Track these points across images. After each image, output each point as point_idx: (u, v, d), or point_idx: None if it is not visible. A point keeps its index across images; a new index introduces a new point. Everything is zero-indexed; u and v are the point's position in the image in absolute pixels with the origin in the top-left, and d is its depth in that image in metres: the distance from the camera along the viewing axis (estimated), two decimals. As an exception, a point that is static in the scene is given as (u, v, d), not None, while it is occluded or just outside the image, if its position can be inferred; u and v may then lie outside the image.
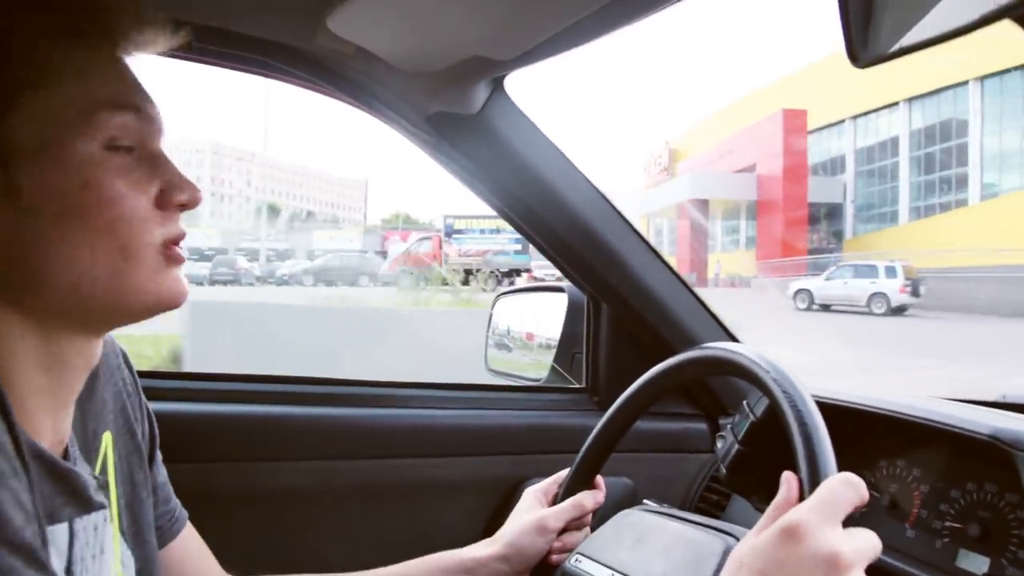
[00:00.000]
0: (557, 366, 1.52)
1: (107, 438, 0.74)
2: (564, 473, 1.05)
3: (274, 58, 1.06)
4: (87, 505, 0.63)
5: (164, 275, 0.63)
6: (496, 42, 0.96)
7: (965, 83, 26.37)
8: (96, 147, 0.60)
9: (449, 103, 1.12)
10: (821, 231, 32.66)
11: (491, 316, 1.75)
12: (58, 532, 0.60)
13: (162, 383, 1.22)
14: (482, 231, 23.44)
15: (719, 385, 1.40)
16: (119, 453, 0.76)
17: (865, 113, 31.09)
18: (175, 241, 0.64)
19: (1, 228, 0.57)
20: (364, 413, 1.29)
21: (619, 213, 1.29)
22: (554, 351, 1.54)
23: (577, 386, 1.48)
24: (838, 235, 32.01)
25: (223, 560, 1.19)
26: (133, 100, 0.63)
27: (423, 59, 1.03)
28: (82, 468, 0.68)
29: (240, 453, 1.21)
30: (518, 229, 1.30)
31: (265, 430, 1.22)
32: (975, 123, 26.87)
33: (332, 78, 1.09)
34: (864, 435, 1.06)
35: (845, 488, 0.62)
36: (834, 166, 33.07)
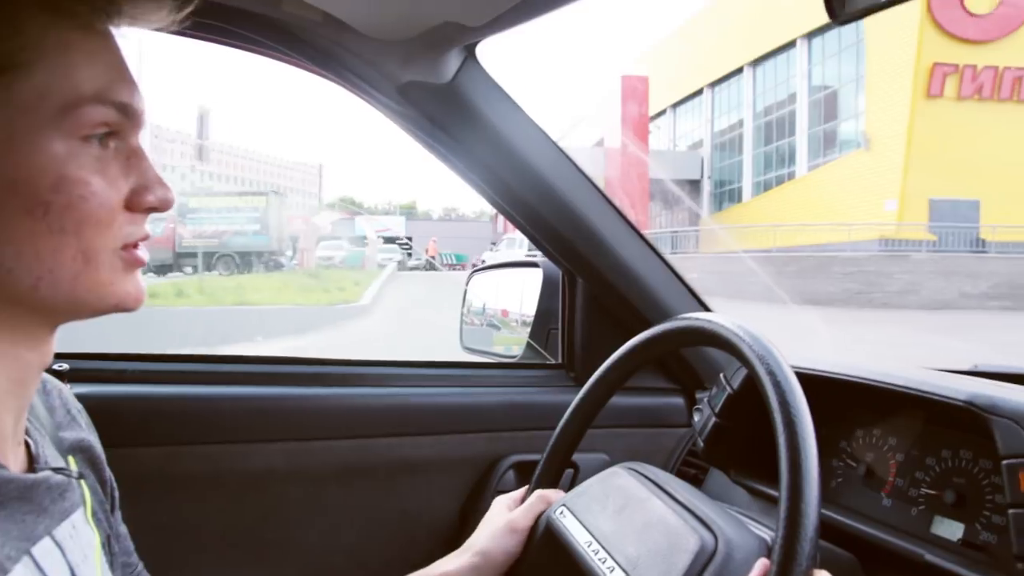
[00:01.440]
0: (533, 342, 1.51)
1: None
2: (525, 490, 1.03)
3: (237, 25, 1.02)
4: (60, 513, 0.61)
5: (122, 279, 0.60)
6: (467, 7, 0.94)
7: (794, 43, 24.41)
8: (74, 141, 0.55)
9: (420, 72, 1.09)
10: (684, 207, 30.55)
11: (465, 293, 1.74)
12: (45, 549, 0.57)
13: (127, 365, 1.19)
14: (219, 210, 21.80)
15: (696, 359, 1.40)
16: (81, 461, 0.73)
17: (717, 81, 28.87)
18: (136, 243, 0.61)
19: None
20: (338, 393, 1.27)
21: (594, 186, 1.28)
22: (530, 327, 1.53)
23: (553, 362, 1.47)
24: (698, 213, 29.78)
25: (200, 545, 1.17)
26: (120, 95, 0.58)
27: (393, 26, 1.00)
28: (54, 460, 0.65)
29: (212, 435, 1.18)
30: (492, 203, 1.28)
31: (236, 411, 1.20)
32: (802, 87, 24.77)
33: (299, 46, 1.06)
34: (841, 404, 1.06)
35: None
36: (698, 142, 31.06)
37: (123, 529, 0.81)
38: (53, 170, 0.54)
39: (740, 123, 28.17)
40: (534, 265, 1.53)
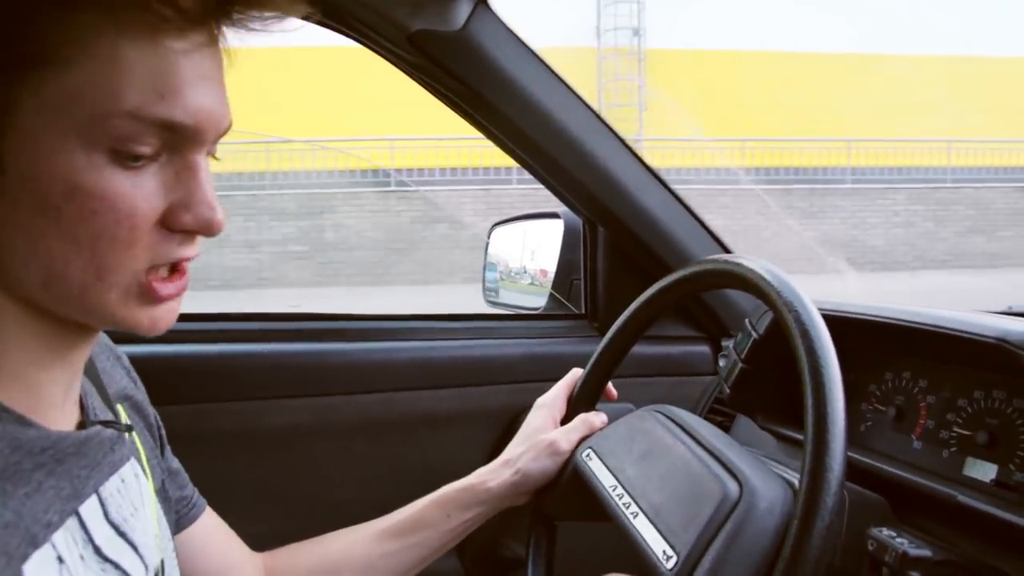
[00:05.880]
0: (556, 293, 1.50)
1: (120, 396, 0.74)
2: (571, 378, 1.04)
3: None
4: (110, 467, 0.61)
5: (133, 308, 0.54)
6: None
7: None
8: (99, 154, 0.50)
9: (431, 20, 1.06)
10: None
11: (487, 246, 1.72)
12: (91, 507, 0.57)
13: None
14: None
15: (720, 306, 1.38)
16: (128, 409, 0.75)
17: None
18: (163, 266, 0.55)
19: None
20: (362, 347, 1.28)
21: (613, 131, 1.25)
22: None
23: (576, 312, 1.46)
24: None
25: (230, 501, 1.20)
26: (169, 113, 0.51)
27: (400, -28, 0.97)
28: (103, 413, 0.66)
29: (238, 392, 1.20)
30: (509, 152, 1.26)
31: (260, 368, 1.21)
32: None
33: None
34: (869, 347, 1.04)
35: None
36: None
37: (175, 464, 0.83)
38: (67, 177, 0.49)
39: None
40: (555, 216, 1.51)
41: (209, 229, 0.56)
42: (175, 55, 0.51)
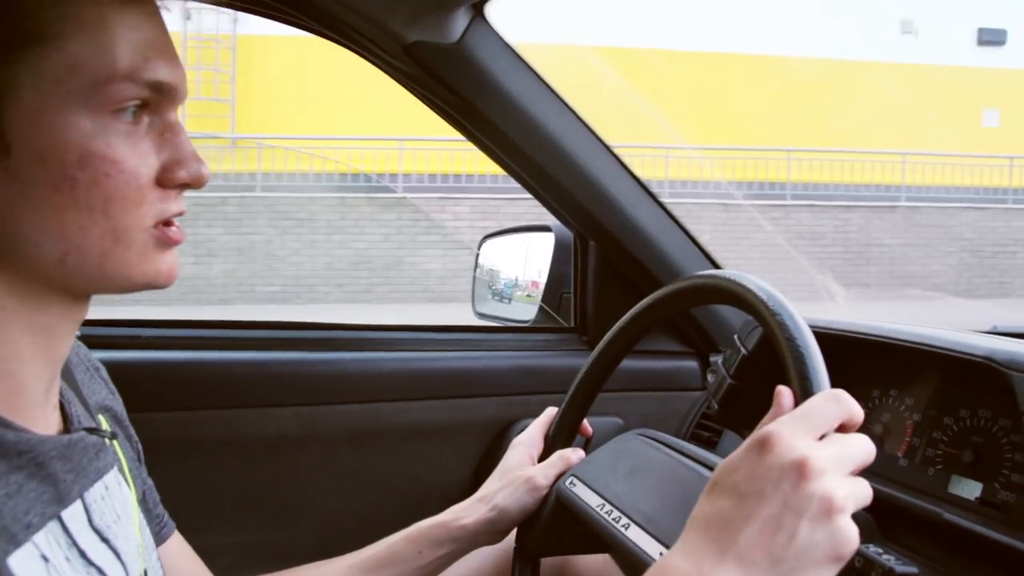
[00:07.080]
0: (546, 306, 1.50)
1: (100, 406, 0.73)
2: (548, 416, 1.03)
3: None
4: (95, 474, 0.61)
5: (153, 259, 0.58)
6: (473, -39, 0.91)
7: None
8: (103, 116, 0.54)
9: (427, 32, 1.07)
10: None
11: (477, 258, 1.72)
12: (74, 512, 0.57)
13: (139, 331, 1.20)
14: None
15: (709, 322, 1.39)
16: (109, 419, 0.75)
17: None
18: (170, 220, 0.59)
19: None
20: (350, 357, 1.27)
21: (606, 146, 1.26)
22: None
23: (566, 326, 1.47)
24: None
25: (214, 509, 1.19)
26: (155, 73, 0.55)
27: (398, -17, 0.98)
28: (86, 420, 0.66)
29: (225, 400, 1.19)
30: (502, 165, 1.26)
31: (249, 376, 1.21)
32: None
33: (302, 6, 1.04)
34: (856, 364, 1.04)
35: (827, 403, 0.58)
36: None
37: (150, 482, 0.82)
38: (79, 145, 0.53)
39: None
40: (546, 229, 1.51)
41: (200, 181, 0.60)
42: (149, 19, 0.56)
